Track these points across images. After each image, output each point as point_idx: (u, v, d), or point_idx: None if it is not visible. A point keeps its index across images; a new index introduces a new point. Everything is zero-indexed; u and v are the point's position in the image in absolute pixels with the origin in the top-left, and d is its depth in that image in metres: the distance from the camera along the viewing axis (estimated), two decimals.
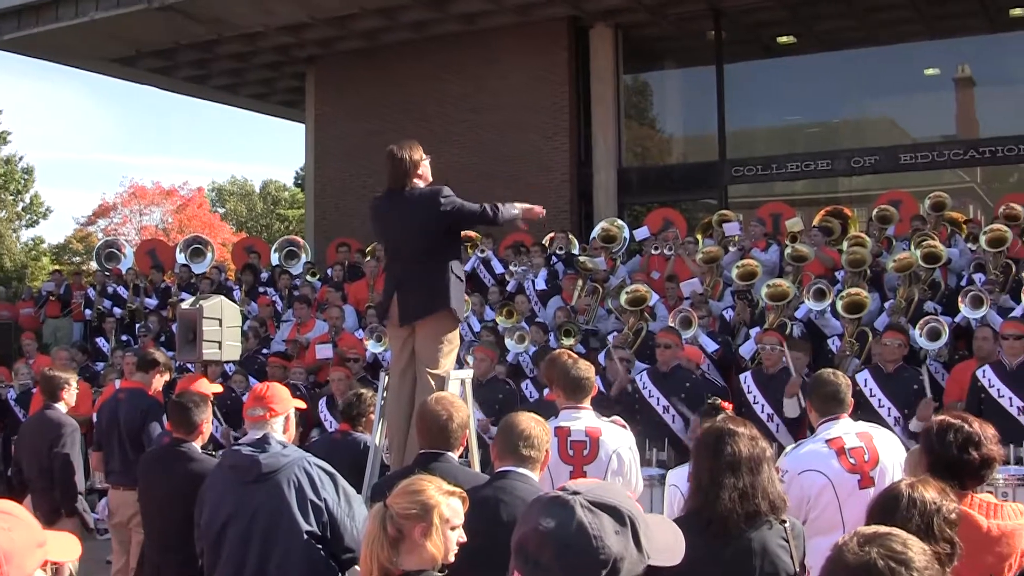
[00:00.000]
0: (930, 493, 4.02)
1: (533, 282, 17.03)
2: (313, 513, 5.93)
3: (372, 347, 14.94)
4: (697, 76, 25.73)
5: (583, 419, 6.81)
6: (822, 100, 25.14)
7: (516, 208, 8.17)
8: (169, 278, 21.67)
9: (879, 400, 10.88)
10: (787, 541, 4.65)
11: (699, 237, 18.72)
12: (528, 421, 5.52)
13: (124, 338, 19.33)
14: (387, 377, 8.10)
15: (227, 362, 12.73)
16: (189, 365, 12.93)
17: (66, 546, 3.22)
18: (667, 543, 3.18)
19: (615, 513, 2.89)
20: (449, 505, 4.17)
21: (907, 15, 23.31)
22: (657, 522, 3.26)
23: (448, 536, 4.14)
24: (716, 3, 23.16)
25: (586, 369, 7.07)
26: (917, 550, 2.98)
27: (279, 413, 6.37)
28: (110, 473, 10.02)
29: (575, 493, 2.91)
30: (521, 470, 5.40)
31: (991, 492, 5.13)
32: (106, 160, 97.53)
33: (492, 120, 24.40)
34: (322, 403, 13.10)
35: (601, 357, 13.08)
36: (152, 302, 20.28)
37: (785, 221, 18.41)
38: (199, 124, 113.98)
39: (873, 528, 3.08)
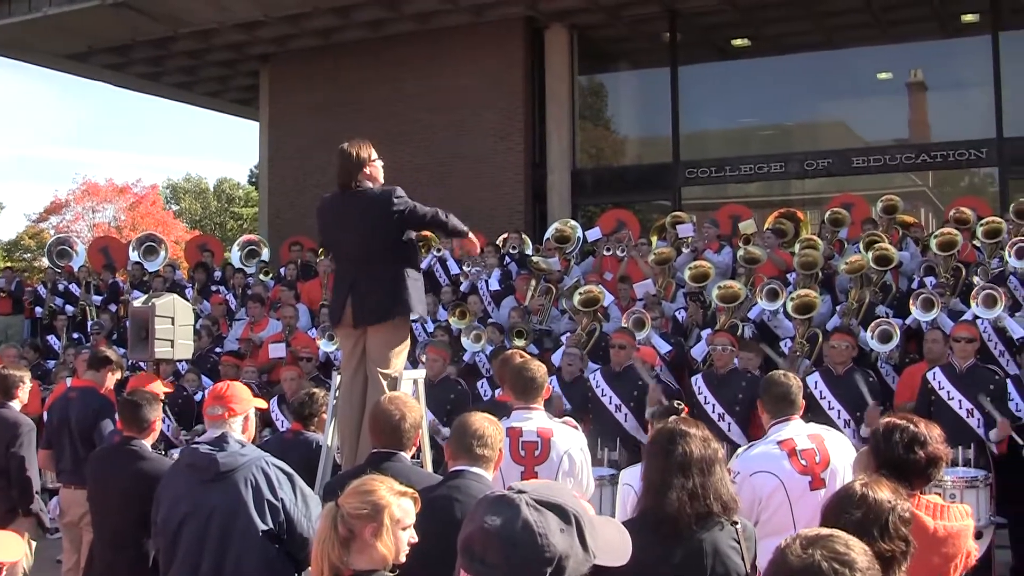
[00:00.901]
0: (884, 493, 4.05)
1: (487, 282, 17.01)
2: (270, 513, 5.92)
3: (325, 346, 14.89)
4: (652, 78, 25.80)
5: (535, 420, 6.81)
6: (776, 103, 25.27)
7: (464, 227, 8.18)
8: (121, 276, 21.53)
9: (829, 402, 10.96)
10: (738, 542, 4.67)
11: (652, 239, 18.76)
12: (482, 421, 5.52)
13: (76, 336, 19.18)
14: (339, 376, 8.08)
15: (179, 361, 12.63)
16: (141, 363, 12.85)
17: (8, 546, 3.21)
18: (613, 543, 3.21)
19: (560, 512, 2.91)
20: (400, 505, 4.16)
21: (861, 20, 23.49)
22: (603, 522, 3.29)
23: (399, 536, 4.13)
24: (671, 5, 23.25)
25: (537, 369, 7.07)
26: (859, 551, 3.01)
27: (238, 413, 6.35)
28: (61, 472, 9.93)
29: (521, 492, 2.93)
30: (475, 470, 5.40)
31: (939, 494, 5.19)
32: (59, 156, 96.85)
33: (447, 120, 24.38)
34: (274, 402, 13.04)
35: (555, 357, 13.10)
36: (99, 299, 20.15)
37: (739, 223, 18.48)
38: (153, 121, 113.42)
39: (815, 530, 3.10)
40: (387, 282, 7.78)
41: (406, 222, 7.87)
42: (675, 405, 6.79)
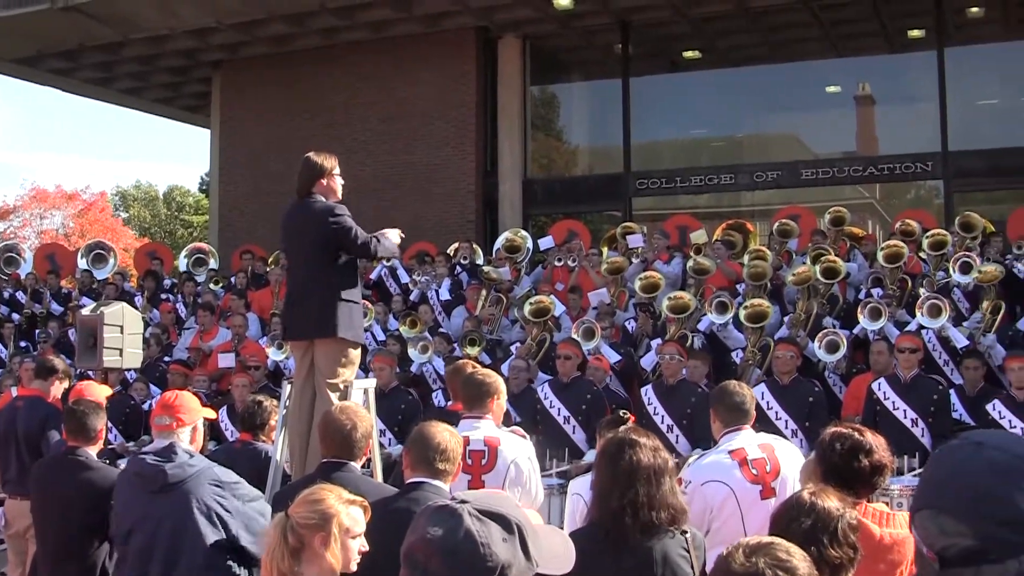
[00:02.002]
0: (832, 501, 4.08)
1: (437, 292, 17.00)
2: (220, 524, 5.89)
3: (274, 355, 14.83)
4: (603, 89, 25.90)
5: (482, 429, 6.80)
6: (726, 115, 25.41)
7: (393, 246, 8.15)
8: (70, 283, 21.35)
9: (776, 412, 11.04)
10: (688, 551, 4.70)
11: (603, 249, 18.79)
12: (443, 433, 5.50)
13: (23, 344, 19.00)
14: (289, 386, 8.07)
15: (128, 369, 12.59)
16: (90, 372, 12.77)
17: None
18: (556, 552, 3.24)
19: (503, 521, 2.93)
20: (349, 514, 4.17)
21: (810, 34, 23.68)
22: (547, 531, 3.34)
23: (348, 545, 4.14)
24: (623, 17, 23.33)
25: (487, 378, 7.09)
26: (800, 558, 3.04)
27: (186, 423, 6.31)
28: (7, 483, 9.82)
29: (463, 502, 2.96)
30: (435, 482, 5.37)
31: (886, 502, 5.24)
32: (6, 160, 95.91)
33: (399, 128, 24.35)
34: (223, 412, 12.98)
35: (505, 367, 13.12)
36: (59, 308, 19.98)
37: (690, 233, 18.57)
38: (104, 126, 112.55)
39: (758, 538, 3.13)
40: (318, 300, 7.77)
41: (339, 239, 7.85)
42: (621, 414, 6.81)
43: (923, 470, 2.62)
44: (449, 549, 2.86)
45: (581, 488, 6.33)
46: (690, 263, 15.89)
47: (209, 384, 14.66)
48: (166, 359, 15.97)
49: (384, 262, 17.93)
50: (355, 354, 8.03)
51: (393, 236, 8.21)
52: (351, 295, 7.92)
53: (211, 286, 19.57)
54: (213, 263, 21.37)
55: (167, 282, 20.74)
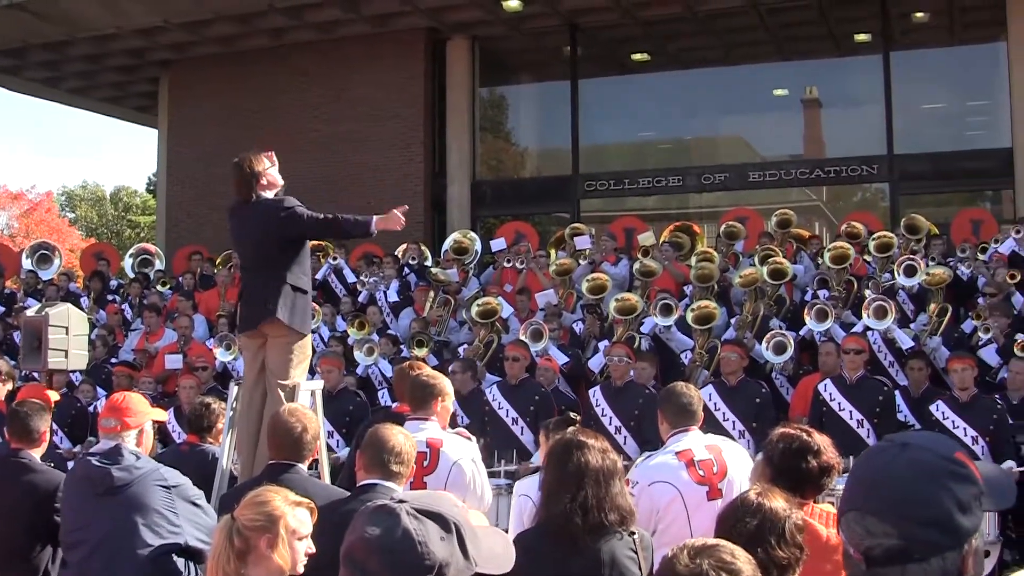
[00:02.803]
0: (779, 501, 4.10)
1: (385, 293, 16.96)
2: (167, 526, 5.85)
3: (221, 356, 14.75)
4: (552, 91, 25.92)
5: (427, 430, 6.78)
6: (674, 117, 25.54)
7: (367, 224, 8.11)
8: (14, 284, 21.13)
9: (724, 413, 11.11)
10: (635, 552, 4.72)
11: (551, 251, 18.83)
12: (398, 435, 5.49)
13: None
14: (237, 388, 8.03)
15: (73, 371, 12.47)
16: (35, 374, 12.66)
17: None
18: (496, 552, 3.26)
19: (440, 520, 2.95)
20: (296, 515, 4.15)
21: (758, 37, 23.82)
22: (487, 532, 3.36)
23: (295, 547, 4.12)
24: (572, 19, 23.35)
25: (433, 380, 7.08)
26: (744, 560, 3.06)
27: (132, 426, 6.26)
28: None
29: (401, 502, 2.97)
30: (388, 483, 5.35)
31: (832, 503, 5.26)
32: None
33: (348, 129, 24.27)
34: (170, 413, 12.88)
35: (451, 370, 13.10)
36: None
37: (637, 235, 18.62)
38: (50, 126, 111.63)
39: (702, 540, 3.15)
40: (266, 290, 7.76)
41: (295, 231, 7.87)
42: (569, 415, 6.82)
43: (850, 472, 2.65)
44: (387, 548, 2.88)
45: (528, 489, 6.32)
46: (637, 265, 15.95)
47: (155, 386, 14.53)
48: (112, 361, 15.83)
49: (330, 262, 17.88)
50: (307, 349, 8.02)
51: (376, 219, 8.21)
52: (300, 284, 7.92)
53: (159, 288, 19.43)
54: (159, 264, 21.24)
55: (113, 283, 20.59)
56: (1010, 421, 10.79)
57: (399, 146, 24.02)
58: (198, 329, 16.42)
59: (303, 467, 5.89)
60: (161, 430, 12.60)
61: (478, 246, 18.78)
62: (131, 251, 22.29)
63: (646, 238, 17.88)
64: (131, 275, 20.73)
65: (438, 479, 6.60)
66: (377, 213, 8.25)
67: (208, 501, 6.55)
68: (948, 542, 2.42)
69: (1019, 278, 14.25)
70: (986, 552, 9.34)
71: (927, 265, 14.40)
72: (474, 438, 7.30)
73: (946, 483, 2.44)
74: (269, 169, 7.99)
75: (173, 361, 15.00)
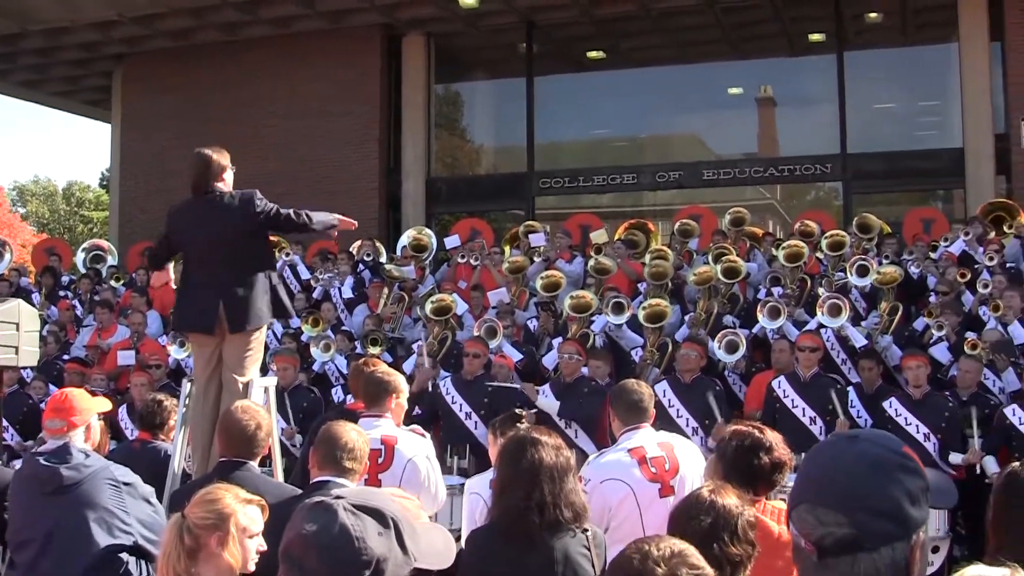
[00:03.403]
0: (731, 498, 4.11)
1: (340, 290, 16.92)
2: (117, 525, 5.80)
3: (175, 352, 14.63)
4: (508, 88, 25.94)
5: (381, 427, 6.77)
6: (629, 115, 25.58)
7: (328, 220, 8.19)
8: None
9: (677, 410, 11.15)
10: (589, 549, 4.73)
11: (505, 248, 18.83)
12: (350, 432, 5.49)
13: None
14: (189, 384, 7.98)
15: (24, 367, 12.36)
16: None
17: None
18: (436, 548, 3.30)
19: (378, 516, 2.97)
20: (246, 513, 4.13)
21: (713, 36, 23.92)
22: (427, 528, 3.42)
23: (246, 545, 4.10)
24: (528, 16, 23.38)
25: (387, 377, 7.06)
26: (704, 563, 3.07)
27: (78, 425, 6.20)
28: None
29: (339, 498, 2.99)
30: (340, 481, 5.36)
31: (783, 499, 5.28)
32: None
33: (302, 125, 24.19)
34: (122, 410, 12.79)
35: (407, 365, 13.09)
36: None
37: (590, 233, 18.65)
38: (0, 120, 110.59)
39: (667, 543, 3.12)
40: (256, 287, 7.74)
41: (268, 224, 7.88)
42: (516, 412, 6.82)
43: (800, 467, 2.67)
44: (324, 544, 2.91)
45: (479, 487, 6.33)
46: (591, 262, 15.98)
47: (108, 383, 14.41)
48: (64, 357, 15.70)
49: (284, 257, 17.80)
50: (262, 344, 8.02)
51: (334, 217, 8.38)
52: (277, 277, 8.01)
53: (112, 283, 19.29)
54: (112, 260, 21.09)
55: (65, 279, 20.42)
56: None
57: (354, 142, 23.98)
58: (151, 325, 16.31)
59: (254, 464, 5.87)
60: (113, 427, 12.51)
61: (435, 243, 18.76)
62: (83, 246, 22.11)
63: (598, 236, 17.91)
64: (83, 271, 20.57)
65: (393, 476, 6.59)
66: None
67: (160, 499, 6.50)
68: (898, 532, 2.46)
69: (969, 277, 14.38)
70: (935, 548, 9.44)
71: (879, 264, 14.49)
72: (428, 435, 7.29)
73: (896, 475, 2.50)
74: (230, 168, 7.99)
75: (125, 357, 14.88)
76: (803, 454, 7.93)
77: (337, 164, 23.80)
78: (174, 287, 8.77)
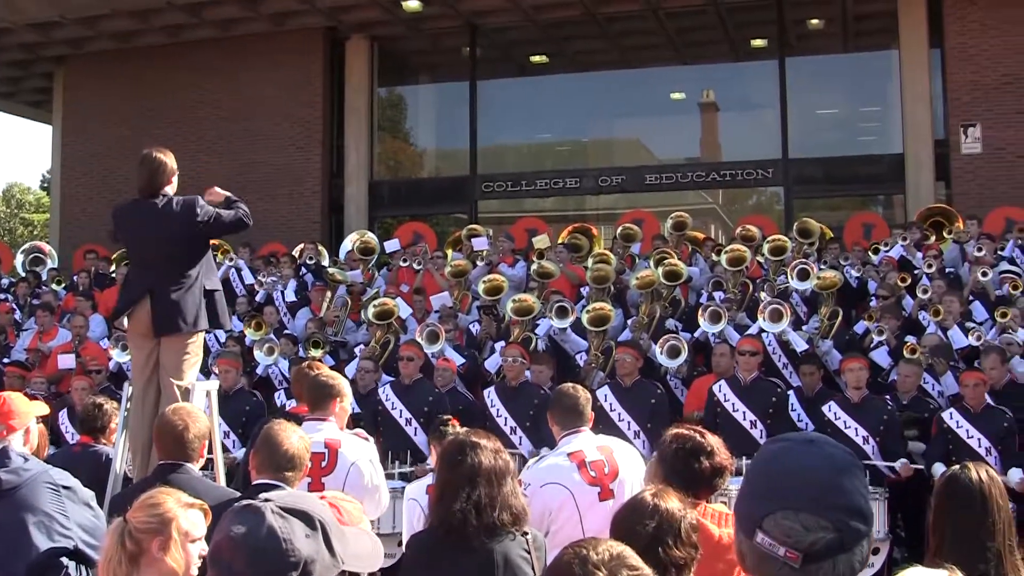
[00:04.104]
0: (673, 502, 4.13)
1: (282, 293, 16.85)
2: (57, 529, 5.75)
3: (118, 356, 14.48)
4: (451, 91, 25.93)
5: (324, 431, 6.76)
6: (572, 119, 25.65)
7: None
8: None
9: (619, 414, 11.16)
10: (529, 553, 4.73)
11: (448, 251, 18.82)
12: (290, 436, 5.47)
13: None
14: (130, 388, 7.93)
15: None
16: None
17: None
18: (364, 551, 3.34)
19: (306, 518, 3.00)
20: (188, 518, 4.09)
21: (656, 41, 24.01)
22: (355, 532, 3.47)
23: (188, 550, 4.07)
24: (471, 20, 23.40)
25: (332, 380, 7.05)
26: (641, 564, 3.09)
27: (16, 428, 6.14)
28: None
29: (267, 500, 3.01)
30: (280, 484, 5.33)
31: (724, 502, 5.32)
32: None
33: (245, 129, 24.10)
34: (63, 414, 12.65)
35: (349, 369, 13.04)
36: None
37: (533, 238, 18.68)
38: None
39: (605, 547, 3.13)
40: (190, 293, 7.71)
41: (211, 230, 7.85)
42: (442, 418, 6.82)
43: (758, 473, 2.66)
44: (252, 546, 2.92)
45: (416, 493, 6.33)
46: (534, 266, 16.01)
47: (48, 386, 14.28)
48: (4, 360, 15.54)
49: (228, 262, 17.71)
50: (200, 348, 7.97)
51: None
52: (214, 285, 7.98)
53: (54, 286, 19.12)
54: (51, 262, 20.90)
55: (4, 282, 20.22)
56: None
57: (297, 145, 23.92)
58: (95, 329, 16.18)
59: (192, 467, 5.83)
60: (53, 431, 12.39)
61: (379, 246, 18.73)
62: (23, 248, 21.91)
63: (541, 240, 17.93)
64: (22, 273, 20.37)
65: (336, 480, 6.58)
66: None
67: (101, 503, 6.45)
68: (866, 529, 2.51)
69: (909, 282, 14.53)
70: (875, 549, 9.51)
71: (819, 269, 14.61)
72: (371, 439, 7.28)
73: (856, 474, 2.55)
74: (176, 171, 7.97)
75: (66, 361, 14.74)
76: (744, 458, 8.03)
77: (280, 167, 23.72)
78: None
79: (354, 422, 9.26)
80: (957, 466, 4.53)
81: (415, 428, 11.49)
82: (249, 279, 17.89)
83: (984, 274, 14.49)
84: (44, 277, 19.91)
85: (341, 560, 3.07)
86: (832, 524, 2.45)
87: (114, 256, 19.72)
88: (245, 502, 3.06)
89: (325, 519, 3.05)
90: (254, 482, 5.44)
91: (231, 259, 17.98)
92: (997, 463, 10.24)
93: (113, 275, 18.64)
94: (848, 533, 2.47)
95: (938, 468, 10.25)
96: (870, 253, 16.70)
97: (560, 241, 18.50)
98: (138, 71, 24.93)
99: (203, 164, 22.61)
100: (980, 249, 15.44)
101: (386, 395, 11.84)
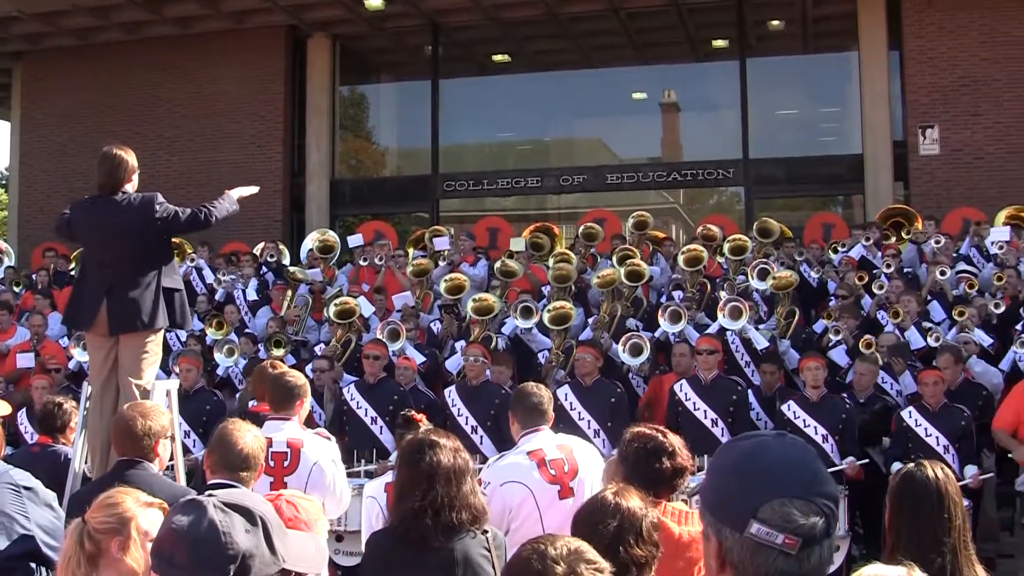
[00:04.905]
0: (635, 501, 4.15)
1: (243, 292, 16.79)
2: (17, 529, 5.71)
3: (79, 355, 14.38)
4: (412, 90, 25.90)
5: (286, 430, 6.76)
6: (534, 119, 25.67)
7: (230, 201, 8.13)
8: None
9: (579, 413, 11.18)
10: (489, 551, 4.74)
11: (409, 250, 18.80)
12: (245, 435, 5.45)
13: None
14: (89, 387, 7.88)
15: None
16: None
17: None
18: (307, 551, 3.42)
19: (247, 514, 3.05)
20: (147, 517, 4.07)
21: (618, 41, 24.05)
22: (299, 535, 3.57)
23: (148, 549, 4.06)
24: (433, 19, 23.37)
25: (295, 380, 7.04)
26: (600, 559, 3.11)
27: None
28: None
29: (210, 496, 3.05)
30: (234, 483, 5.31)
31: (685, 501, 5.34)
32: None
33: (205, 127, 24.00)
34: (22, 414, 12.57)
35: (310, 368, 13.01)
36: None
37: (510, 239, 18.68)
38: None
39: (563, 542, 3.14)
40: (147, 291, 7.65)
41: (169, 228, 7.80)
42: (408, 415, 6.82)
43: (732, 473, 2.65)
44: (192, 539, 2.98)
45: (375, 492, 6.33)
46: (498, 265, 16.02)
47: (6, 385, 14.18)
48: None
49: (189, 262, 17.64)
50: (159, 347, 7.93)
51: (245, 191, 8.41)
52: (174, 284, 7.92)
53: (13, 288, 18.95)
54: (8, 261, 20.72)
55: None
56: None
57: (258, 143, 23.83)
58: (53, 327, 16.06)
59: (150, 464, 5.79)
60: (13, 431, 12.30)
61: (340, 245, 18.67)
62: None
63: (517, 243, 17.87)
64: None
65: (299, 479, 6.58)
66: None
67: (60, 503, 6.41)
68: (837, 514, 2.58)
69: (867, 280, 14.64)
70: (835, 547, 9.57)
71: (777, 268, 14.68)
72: (333, 438, 7.28)
73: (822, 463, 2.64)
74: (137, 170, 7.92)
75: (25, 360, 14.65)
76: (706, 456, 8.06)
77: (241, 165, 23.59)
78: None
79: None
80: (912, 464, 4.58)
81: (380, 427, 11.48)
82: (209, 278, 17.81)
83: (943, 273, 14.61)
84: (2, 275, 19.74)
85: (282, 558, 3.11)
86: (820, 510, 2.51)
87: (73, 255, 19.58)
88: (188, 497, 3.10)
89: (266, 516, 3.11)
90: (209, 482, 5.42)
91: (192, 259, 17.90)
92: (955, 461, 10.36)
93: (72, 273, 18.49)
94: (832, 518, 2.53)
95: (896, 466, 10.33)
96: (830, 252, 16.80)
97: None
98: (97, 68, 24.76)
99: (163, 162, 22.51)
100: (939, 242, 15.63)
101: (351, 394, 11.83)
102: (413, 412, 6.81)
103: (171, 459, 6.42)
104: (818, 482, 2.55)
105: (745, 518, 2.54)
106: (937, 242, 15.63)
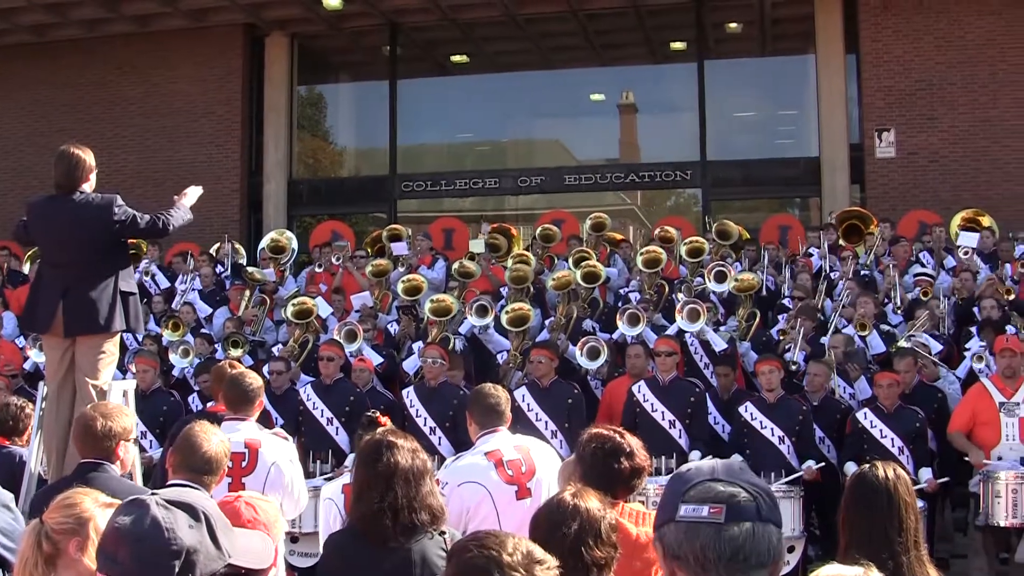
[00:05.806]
0: (593, 502, 4.14)
1: (200, 291, 16.71)
2: None
3: (35, 356, 14.26)
4: (371, 90, 25.82)
5: (243, 431, 6.75)
6: (492, 120, 25.67)
7: (184, 210, 8.13)
8: None
9: (536, 414, 11.18)
10: (446, 551, 4.74)
11: (368, 251, 18.76)
12: (209, 437, 5.43)
13: None
14: (45, 388, 7.84)
15: None
16: None
17: None
18: (253, 547, 3.42)
19: (190, 510, 3.06)
20: (106, 517, 4.06)
21: (576, 42, 24.10)
22: (244, 532, 3.59)
23: None
24: (392, 19, 23.33)
25: (253, 381, 7.03)
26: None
27: None
28: None
29: (153, 494, 3.08)
30: (196, 484, 5.29)
31: (642, 501, 5.37)
32: None
33: (163, 125, 23.84)
34: None
35: (267, 369, 12.97)
36: None
37: (466, 239, 18.69)
38: None
39: (518, 545, 3.13)
40: (104, 293, 7.62)
41: (126, 232, 7.77)
42: (371, 415, 6.82)
43: (666, 488, 2.77)
44: (135, 536, 3.01)
45: (332, 493, 6.33)
46: (456, 265, 16.02)
47: None
48: None
49: (143, 264, 17.54)
50: (116, 347, 7.90)
51: (192, 195, 8.44)
52: (130, 287, 7.89)
53: None
54: None
55: None
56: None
57: (215, 143, 23.71)
58: (7, 327, 15.94)
59: (112, 466, 5.77)
60: None
61: (295, 245, 18.62)
62: None
63: (476, 245, 17.88)
64: None
65: (257, 480, 6.58)
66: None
67: (16, 504, 6.37)
68: (779, 517, 2.65)
69: (825, 284, 14.75)
70: (790, 547, 9.63)
71: (737, 270, 14.74)
72: (291, 438, 7.27)
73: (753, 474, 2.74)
74: (95, 169, 7.88)
75: None
76: (664, 458, 8.13)
77: (198, 164, 23.46)
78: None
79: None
80: (866, 465, 4.63)
81: (336, 428, 11.46)
82: (163, 280, 17.71)
83: (901, 273, 14.76)
84: None
85: (227, 553, 3.11)
86: (746, 489, 2.56)
87: (27, 254, 19.42)
88: (132, 497, 3.12)
89: (210, 512, 3.13)
90: (168, 482, 5.40)
91: (146, 262, 17.77)
92: (910, 462, 10.44)
93: (26, 273, 18.35)
94: (762, 501, 2.56)
95: (850, 467, 10.40)
96: (784, 263, 16.73)
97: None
98: (54, 65, 24.56)
99: (120, 160, 22.37)
100: (896, 241, 15.87)
101: (307, 395, 11.80)
102: (378, 414, 6.80)
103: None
104: (742, 473, 2.61)
105: (675, 507, 2.60)
106: (893, 241, 15.81)
